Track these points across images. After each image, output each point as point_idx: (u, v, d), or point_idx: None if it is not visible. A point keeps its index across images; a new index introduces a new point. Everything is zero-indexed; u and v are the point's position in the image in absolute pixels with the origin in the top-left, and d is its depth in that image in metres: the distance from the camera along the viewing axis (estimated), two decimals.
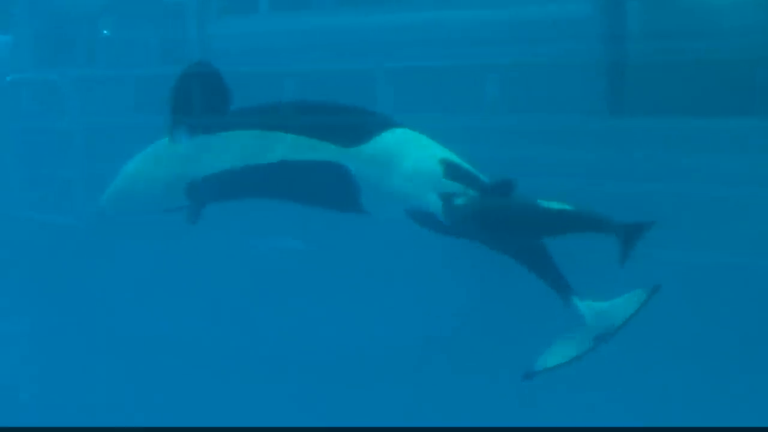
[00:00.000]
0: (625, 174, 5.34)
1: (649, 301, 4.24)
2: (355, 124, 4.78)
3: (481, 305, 5.43)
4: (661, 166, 5.32)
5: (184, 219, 5.09)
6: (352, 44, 6.57)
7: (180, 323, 6.08)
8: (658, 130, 5.45)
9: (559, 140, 5.61)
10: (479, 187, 4.46)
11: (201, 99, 4.96)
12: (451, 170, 4.52)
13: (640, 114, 5.66)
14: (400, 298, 5.58)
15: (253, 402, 5.56)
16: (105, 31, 7.85)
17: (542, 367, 4.30)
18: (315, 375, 5.64)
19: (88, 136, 7.45)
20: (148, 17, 7.69)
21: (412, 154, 4.63)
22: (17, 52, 8.32)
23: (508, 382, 4.73)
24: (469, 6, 6.43)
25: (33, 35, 8.14)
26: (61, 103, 7.70)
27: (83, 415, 5.53)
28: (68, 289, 6.69)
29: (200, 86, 4.96)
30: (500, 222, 4.41)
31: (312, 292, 5.79)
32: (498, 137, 5.60)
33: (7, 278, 6.98)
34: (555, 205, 4.29)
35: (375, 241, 5.35)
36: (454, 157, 4.60)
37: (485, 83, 6.08)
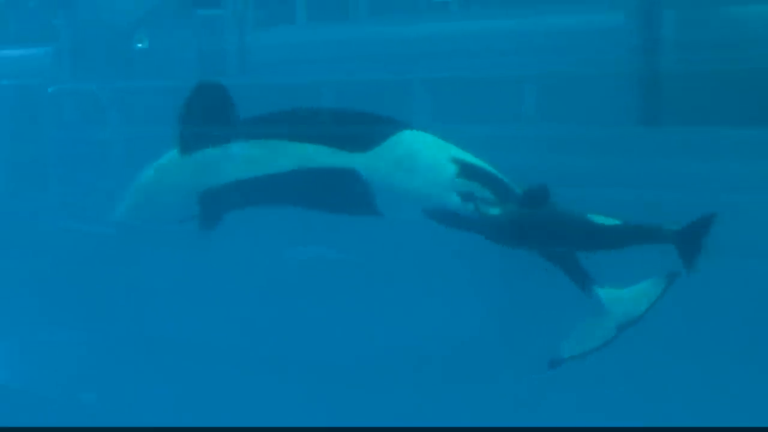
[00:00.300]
0: (660, 184, 5.32)
1: (669, 287, 4.23)
2: (365, 129, 4.82)
3: (502, 307, 5.44)
4: (695, 175, 5.31)
5: (201, 229, 5.15)
6: (389, 55, 6.61)
7: (217, 331, 6.12)
8: (693, 140, 5.44)
9: (594, 150, 5.62)
10: (498, 186, 4.49)
11: (209, 113, 5.04)
12: (466, 169, 4.57)
13: (675, 124, 5.65)
14: (429, 302, 5.60)
15: (292, 407, 5.59)
16: (142, 44, 7.92)
17: (568, 355, 4.29)
18: (357, 381, 5.63)
19: (127, 146, 7.53)
20: (185, 29, 7.76)
21: (424, 155, 4.68)
22: (59, 64, 8.41)
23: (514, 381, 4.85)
24: (505, 16, 6.46)
25: (73, 47, 8.23)
26: (101, 114, 7.78)
27: (126, 417, 5.61)
28: (109, 298, 6.75)
29: (208, 101, 5.05)
30: (544, 237, 4.39)
31: (346, 300, 5.80)
32: (535, 147, 5.62)
33: (50, 287, 7.07)
34: (604, 220, 4.27)
35: (408, 248, 5.40)
36: (468, 157, 4.63)
37: (522, 94, 6.10)
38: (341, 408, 5.41)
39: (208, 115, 5.02)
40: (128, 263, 6.70)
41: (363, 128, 4.82)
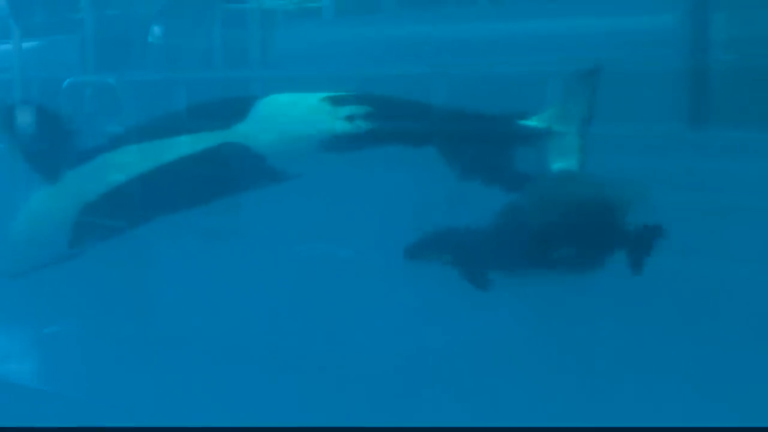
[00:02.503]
0: (707, 186, 5.13)
1: None
2: (229, 105, 4.96)
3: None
4: (744, 177, 5.09)
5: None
6: (415, 50, 6.34)
7: (224, 328, 5.99)
8: (743, 141, 5.20)
9: (641, 150, 5.41)
10: (373, 100, 4.74)
11: (42, 132, 4.95)
12: (339, 98, 4.78)
13: (725, 125, 5.39)
14: (437, 301, 5.45)
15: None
16: (154, 37, 7.82)
17: None
18: (359, 381, 5.47)
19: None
20: (209, 22, 7.62)
21: (295, 103, 4.88)
22: (82, 55, 8.29)
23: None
24: (548, 14, 6.17)
25: (94, 39, 8.12)
26: (119, 107, 7.64)
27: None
28: (119, 294, 6.49)
29: (35, 122, 4.97)
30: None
31: (353, 299, 5.63)
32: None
33: (69, 279, 6.92)
34: None
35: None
36: (334, 92, 4.84)
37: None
38: (336, 408, 5.28)
39: (48, 133, 4.98)
40: (138, 259, 6.51)
41: (227, 105, 4.91)
